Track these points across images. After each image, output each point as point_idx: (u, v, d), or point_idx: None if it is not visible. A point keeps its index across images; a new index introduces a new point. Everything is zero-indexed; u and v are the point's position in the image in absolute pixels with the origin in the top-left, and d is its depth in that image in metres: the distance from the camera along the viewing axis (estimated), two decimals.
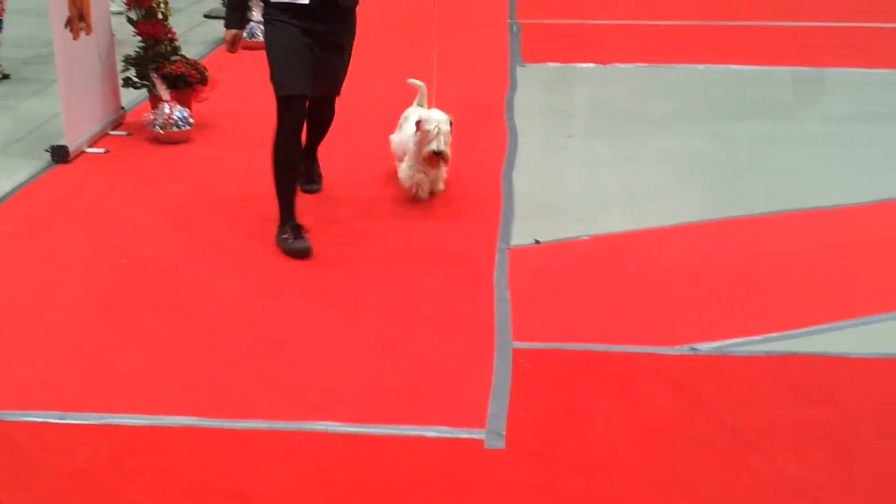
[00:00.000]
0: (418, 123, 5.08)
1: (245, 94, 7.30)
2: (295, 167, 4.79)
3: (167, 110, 6.21)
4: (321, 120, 5.20)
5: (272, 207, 4.71)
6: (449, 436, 3.32)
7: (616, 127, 6.79)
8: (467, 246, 4.78)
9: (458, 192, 5.41)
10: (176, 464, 3.16)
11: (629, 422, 3.43)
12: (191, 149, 6.16)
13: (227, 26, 4.78)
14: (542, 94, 7.64)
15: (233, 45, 4.80)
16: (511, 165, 5.88)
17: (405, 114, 5.51)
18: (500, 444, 3.28)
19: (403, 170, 5.25)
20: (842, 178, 5.84)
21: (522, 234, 4.94)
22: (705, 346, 3.91)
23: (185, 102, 6.36)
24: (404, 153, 5.30)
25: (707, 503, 3.01)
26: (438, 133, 5.01)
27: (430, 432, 3.33)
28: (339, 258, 4.63)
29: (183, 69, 6.38)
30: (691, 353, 3.87)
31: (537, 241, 4.86)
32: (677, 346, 3.91)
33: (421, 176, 5.19)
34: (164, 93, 6.26)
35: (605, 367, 3.77)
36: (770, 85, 7.98)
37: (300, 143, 4.75)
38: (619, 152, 6.26)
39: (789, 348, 3.92)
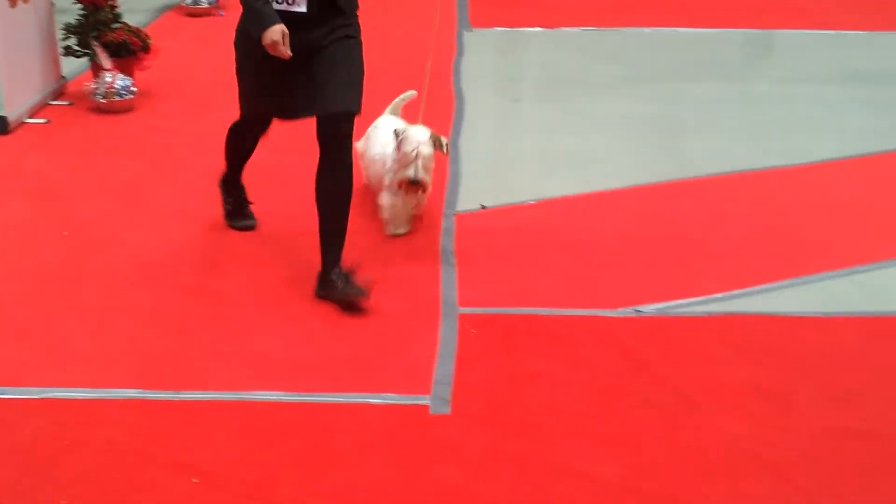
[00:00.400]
0: (399, 141, 4.35)
1: (189, 61, 7.21)
2: (249, 151, 4.42)
3: (109, 79, 6.12)
4: (332, 181, 3.91)
5: (214, 172, 4.64)
6: (394, 402, 3.32)
7: (564, 91, 6.80)
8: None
9: None
10: (120, 436, 3.13)
11: (574, 384, 3.45)
12: (134, 118, 6.07)
13: (268, 25, 3.66)
14: (489, 59, 7.62)
15: (286, 44, 3.69)
16: (458, 131, 5.87)
17: (375, 123, 4.76)
18: (446, 409, 3.29)
19: (384, 198, 4.49)
20: (786, 138, 5.90)
21: (469, 199, 4.93)
22: (649, 308, 3.94)
23: (127, 71, 6.26)
24: (377, 174, 4.56)
25: (652, 462, 3.04)
26: (417, 157, 4.29)
27: (376, 399, 3.33)
28: (283, 227, 4.60)
29: (124, 37, 6.27)
30: (635, 315, 3.90)
31: (483, 206, 4.86)
32: (621, 309, 3.94)
33: (398, 203, 4.46)
34: (105, 61, 6.16)
35: (551, 331, 3.79)
36: (717, 47, 8.02)
37: (257, 139, 4.34)
38: (566, 117, 6.27)
39: (731, 308, 3.96)
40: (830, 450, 3.12)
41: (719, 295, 4.06)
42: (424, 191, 4.40)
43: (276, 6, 3.72)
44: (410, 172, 4.28)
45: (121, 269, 4.20)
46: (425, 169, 4.32)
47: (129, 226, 4.61)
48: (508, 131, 6.04)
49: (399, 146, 4.33)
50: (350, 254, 4.07)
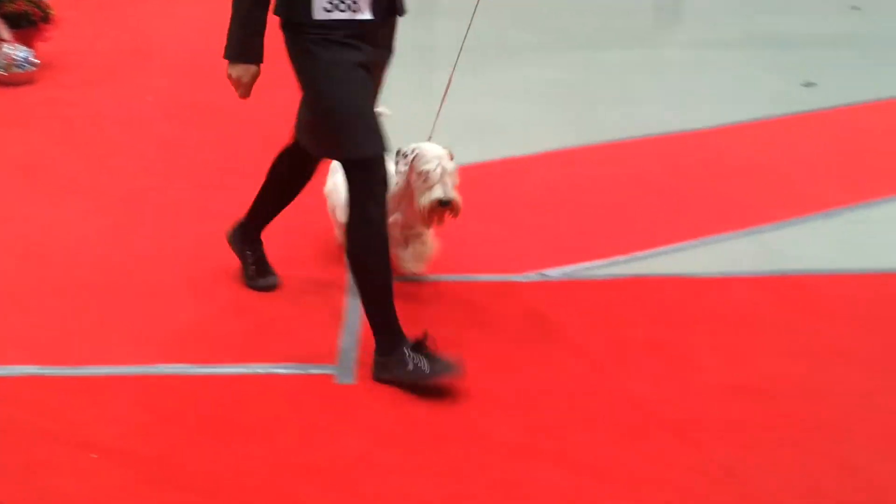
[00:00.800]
0: (410, 162, 3.65)
1: (91, 32, 7.06)
2: (305, 182, 3.72)
3: (9, 51, 5.96)
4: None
5: (117, 144, 4.56)
6: (299, 372, 3.30)
7: (476, 59, 6.77)
8: (319, 182, 4.72)
9: None
10: (17, 413, 3.06)
11: (480, 348, 3.46)
12: (34, 90, 5.94)
13: (245, 59, 3.18)
14: (399, 26, 7.57)
15: (250, 87, 3.24)
16: None
17: None
18: (350, 378, 3.28)
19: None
20: (693, 103, 5.99)
21: None
22: (555, 272, 3.98)
23: (27, 42, 6.12)
24: None
25: (555, 425, 3.05)
26: (443, 174, 3.59)
27: (280, 369, 3.31)
28: (187, 198, 4.54)
29: (25, 7, 6.14)
30: (541, 279, 3.93)
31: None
32: (527, 273, 3.97)
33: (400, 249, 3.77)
34: (4, 33, 6.01)
35: (457, 296, 3.80)
36: (627, 14, 8.09)
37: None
38: (477, 84, 6.27)
39: (635, 270, 4.02)
40: (724, 402, 3.17)
41: (623, 257, 4.11)
42: (455, 213, 3.65)
43: (338, 15, 3.11)
44: (439, 192, 3.56)
45: (19, 243, 4.11)
46: (454, 187, 3.63)
47: (28, 199, 4.51)
48: (421, 99, 6.02)
49: (412, 166, 3.66)
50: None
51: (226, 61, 3.24)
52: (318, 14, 3.11)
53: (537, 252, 4.14)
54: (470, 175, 4.88)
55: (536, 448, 2.95)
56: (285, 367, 3.32)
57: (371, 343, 3.46)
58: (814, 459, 2.93)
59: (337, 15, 3.12)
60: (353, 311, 3.67)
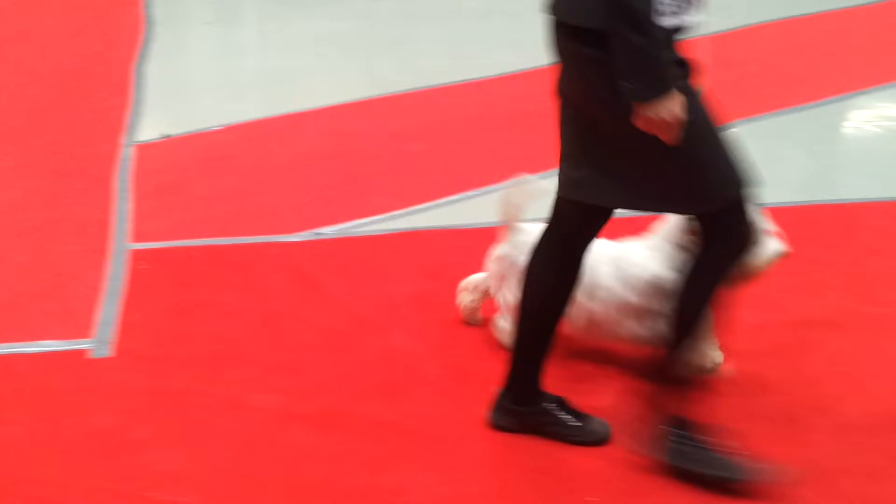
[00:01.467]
0: None
1: None
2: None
3: None
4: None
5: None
6: (51, 349, 3.14)
7: (258, 10, 6.66)
8: (87, 146, 4.54)
9: (84, 89, 5.11)
10: None
11: (249, 313, 3.37)
12: None
13: (668, 88, 2.27)
14: None
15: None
16: (145, 57, 5.61)
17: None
18: (107, 351, 3.15)
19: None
20: (478, 52, 6.00)
21: (151, 128, 4.74)
22: (329, 230, 3.91)
23: None
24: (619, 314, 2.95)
25: (315, 387, 2.99)
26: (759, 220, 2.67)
27: (30, 348, 3.14)
28: None
29: None
30: (315, 237, 3.87)
31: (166, 136, 4.68)
32: (302, 232, 3.89)
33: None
34: None
35: (227, 261, 3.71)
36: None
37: None
38: (260, 37, 6.16)
39: (411, 224, 3.99)
40: (479, 351, 3.16)
41: (400, 211, 4.08)
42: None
43: (666, 20, 2.29)
44: (778, 245, 2.77)
45: None
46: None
47: None
48: (201, 55, 5.86)
49: None
50: (8, 192, 3.81)
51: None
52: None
53: (313, 210, 4.06)
54: (246, 132, 4.80)
55: (294, 412, 2.88)
56: (34, 346, 3.15)
57: (135, 312, 3.34)
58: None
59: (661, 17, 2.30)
60: (116, 279, 3.53)
